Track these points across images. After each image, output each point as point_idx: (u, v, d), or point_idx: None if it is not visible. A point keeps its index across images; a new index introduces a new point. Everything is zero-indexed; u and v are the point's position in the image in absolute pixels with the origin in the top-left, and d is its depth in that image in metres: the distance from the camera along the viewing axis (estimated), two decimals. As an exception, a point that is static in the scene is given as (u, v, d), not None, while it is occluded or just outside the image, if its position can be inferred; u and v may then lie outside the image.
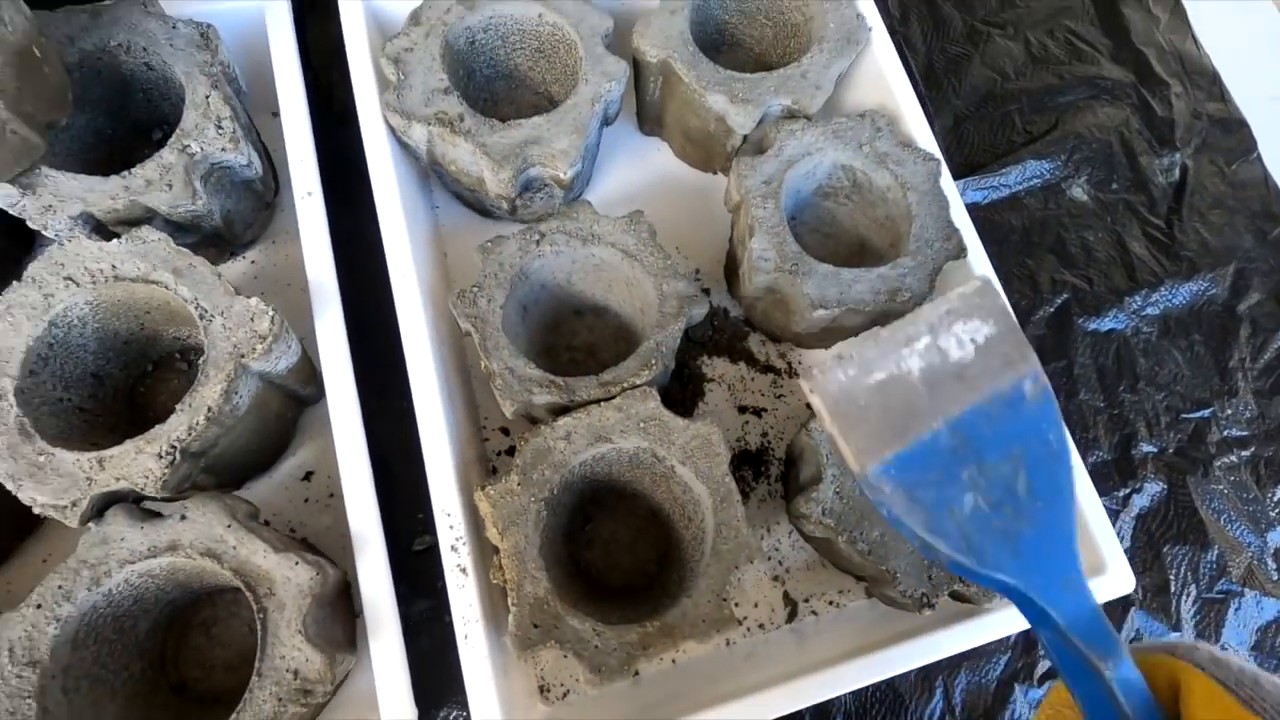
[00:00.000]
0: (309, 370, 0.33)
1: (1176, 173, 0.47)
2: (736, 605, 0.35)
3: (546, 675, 0.34)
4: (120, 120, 0.35)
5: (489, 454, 0.37)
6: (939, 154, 0.36)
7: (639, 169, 0.42)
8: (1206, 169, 0.48)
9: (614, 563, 0.33)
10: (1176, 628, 0.38)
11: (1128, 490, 0.40)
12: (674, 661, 0.35)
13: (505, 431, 0.37)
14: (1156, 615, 0.38)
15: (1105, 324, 0.43)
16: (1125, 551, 0.38)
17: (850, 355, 0.20)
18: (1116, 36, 0.50)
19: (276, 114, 0.40)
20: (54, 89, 0.29)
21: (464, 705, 0.33)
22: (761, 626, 0.35)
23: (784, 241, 0.33)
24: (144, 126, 0.37)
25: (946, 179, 0.35)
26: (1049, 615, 0.19)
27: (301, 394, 0.34)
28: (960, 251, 0.33)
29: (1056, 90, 0.48)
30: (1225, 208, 0.47)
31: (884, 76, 0.38)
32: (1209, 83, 0.50)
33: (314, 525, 0.34)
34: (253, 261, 0.38)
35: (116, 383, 0.32)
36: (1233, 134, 0.48)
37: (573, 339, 0.37)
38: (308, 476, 0.35)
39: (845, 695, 0.35)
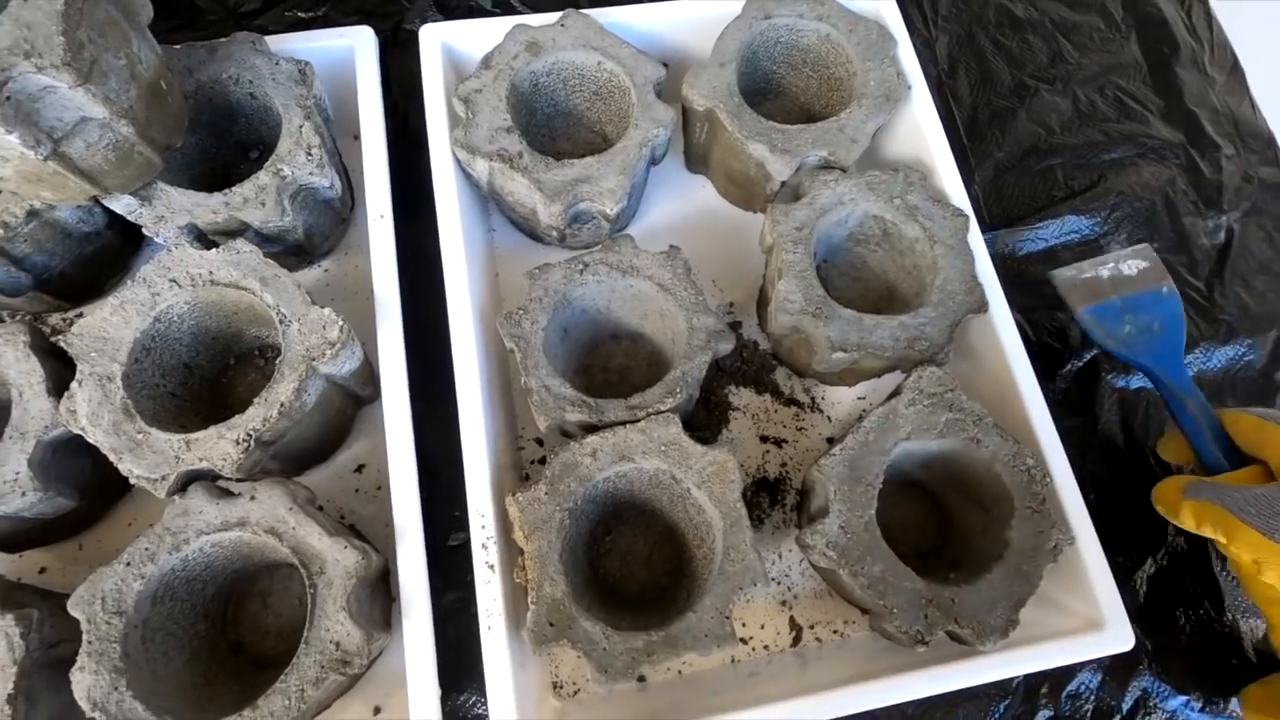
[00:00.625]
0: (368, 373, 0.37)
1: (1222, 235, 0.47)
2: (743, 625, 0.37)
3: (560, 672, 0.36)
4: (223, 140, 0.40)
5: (523, 462, 0.40)
6: (969, 210, 0.37)
7: (684, 203, 0.45)
8: (1254, 233, 0.48)
9: (630, 573, 0.36)
10: (1183, 690, 0.38)
11: (1147, 551, 0.40)
12: (680, 672, 0.37)
13: (539, 442, 0.40)
14: (1160, 676, 0.38)
15: (1134, 382, 0.44)
16: (1137, 609, 0.38)
17: (1078, 266, 0.40)
18: (1168, 96, 0.51)
19: (357, 136, 0.45)
20: (175, 117, 0.34)
21: (483, 691, 0.36)
22: (766, 647, 0.37)
23: (810, 286, 0.35)
24: (244, 146, 0.41)
25: (975, 235, 0.37)
26: (1163, 380, 0.38)
27: (360, 394, 0.38)
28: (982, 306, 0.35)
29: (1102, 147, 0.49)
30: (1271, 274, 0.47)
31: (921, 131, 0.40)
32: (1263, 146, 0.50)
33: (362, 513, 0.38)
34: (326, 270, 0.43)
35: (204, 373, 0.36)
36: (1284, 199, 0.48)
37: (608, 361, 0.40)
38: (360, 469, 0.39)
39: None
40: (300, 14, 0.48)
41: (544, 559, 0.30)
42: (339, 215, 0.41)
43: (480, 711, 0.36)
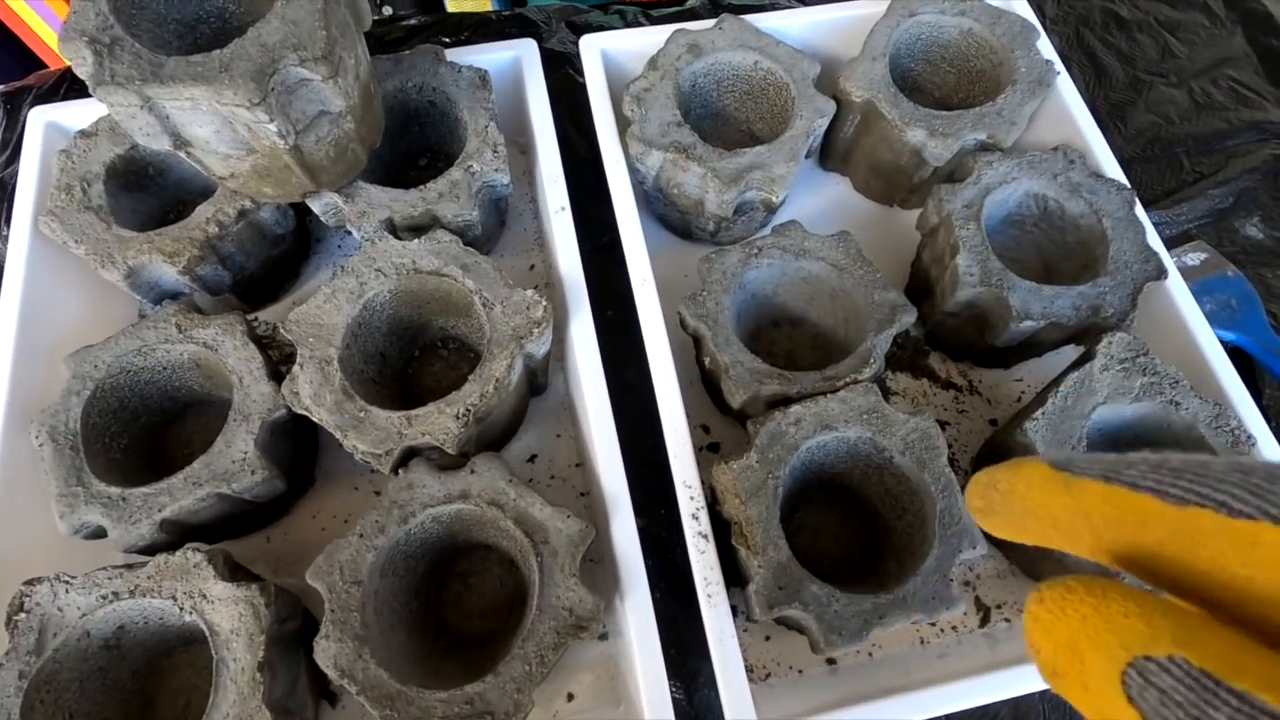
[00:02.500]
0: (547, 363, 0.38)
1: (1356, 213, 0.48)
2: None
3: (749, 657, 0.36)
4: (395, 148, 0.42)
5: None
6: (1129, 184, 0.38)
7: (819, 200, 0.46)
8: (1389, 211, 0.48)
9: (822, 549, 0.35)
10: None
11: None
12: (870, 655, 0.36)
13: (705, 429, 0.40)
14: None
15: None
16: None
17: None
18: (1283, 85, 0.52)
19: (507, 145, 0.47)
20: (377, 118, 0.36)
21: (679, 677, 0.35)
22: (954, 629, 0.37)
23: (988, 259, 0.36)
24: (411, 154, 0.43)
25: (1140, 208, 0.37)
26: (1257, 343, 0.42)
27: (537, 382, 0.38)
28: (1160, 273, 0.35)
29: (1224, 134, 0.50)
30: None
31: (1070, 114, 0.41)
32: (1385, 128, 0.50)
33: (539, 501, 0.38)
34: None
35: (393, 362, 0.38)
36: None
37: (772, 346, 0.40)
38: (532, 459, 0.39)
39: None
40: (444, 39, 0.51)
41: (765, 523, 0.30)
42: (501, 217, 0.43)
43: (676, 697, 0.35)
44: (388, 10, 1.17)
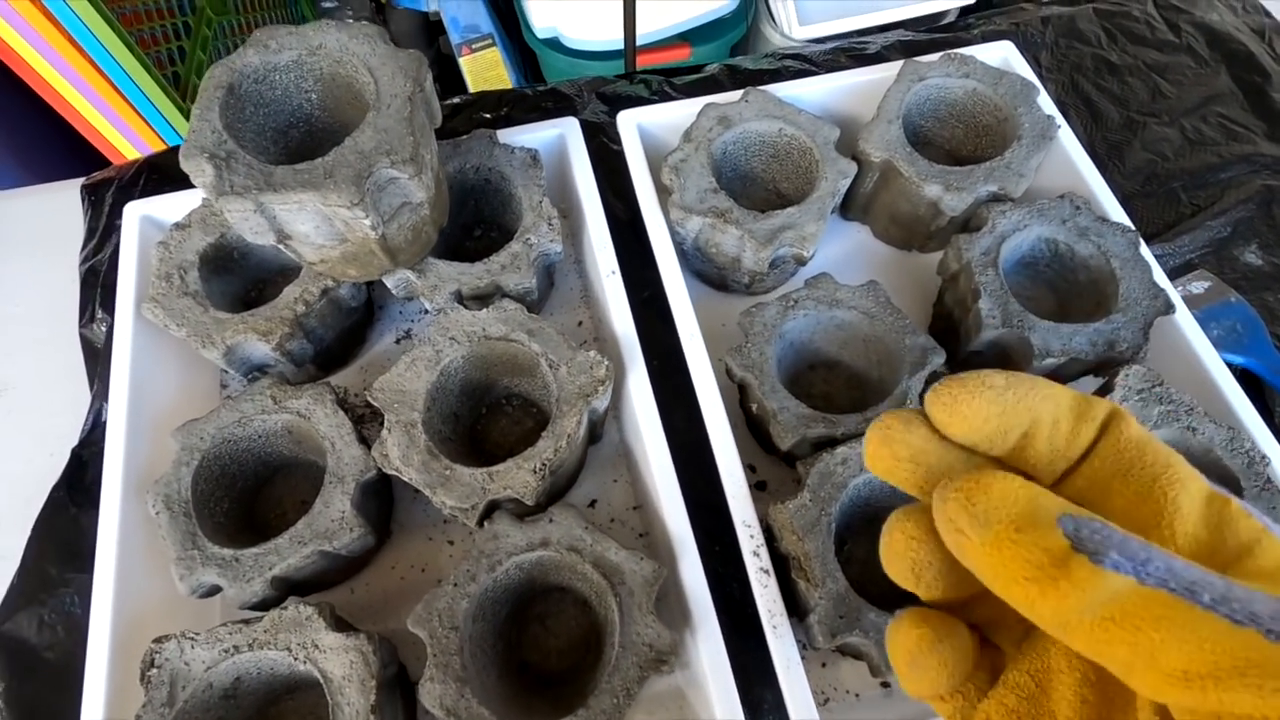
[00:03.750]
0: (605, 415, 0.41)
1: (1349, 237, 0.51)
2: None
3: (809, 683, 0.38)
4: (454, 223, 0.46)
5: (740, 487, 0.43)
6: (1133, 226, 0.41)
7: (842, 247, 0.50)
8: (1379, 233, 0.51)
9: (871, 579, 0.38)
10: None
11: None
12: (921, 676, 0.38)
13: (752, 468, 0.43)
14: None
15: None
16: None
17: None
18: (1269, 119, 0.55)
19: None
20: (445, 201, 0.40)
21: (744, 705, 0.38)
22: (999, 648, 0.39)
23: (1008, 302, 0.39)
24: (467, 228, 0.47)
25: (1145, 248, 0.41)
26: (1264, 365, 0.45)
27: (597, 433, 0.42)
28: (1169, 307, 0.38)
29: (1217, 168, 0.53)
30: (1405, 268, 0.49)
31: (1072, 163, 0.44)
32: (1369, 155, 0.53)
33: (602, 544, 0.41)
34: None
35: (465, 421, 0.41)
36: (1402, 200, 0.51)
37: (810, 389, 0.43)
38: (592, 504, 0.42)
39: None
40: (485, 114, 0.55)
41: (823, 557, 0.33)
42: (551, 280, 0.47)
43: (741, 723, 0.38)
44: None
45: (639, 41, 0.98)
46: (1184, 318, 0.39)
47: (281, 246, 0.35)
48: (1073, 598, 0.12)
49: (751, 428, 0.43)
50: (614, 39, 0.98)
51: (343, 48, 0.34)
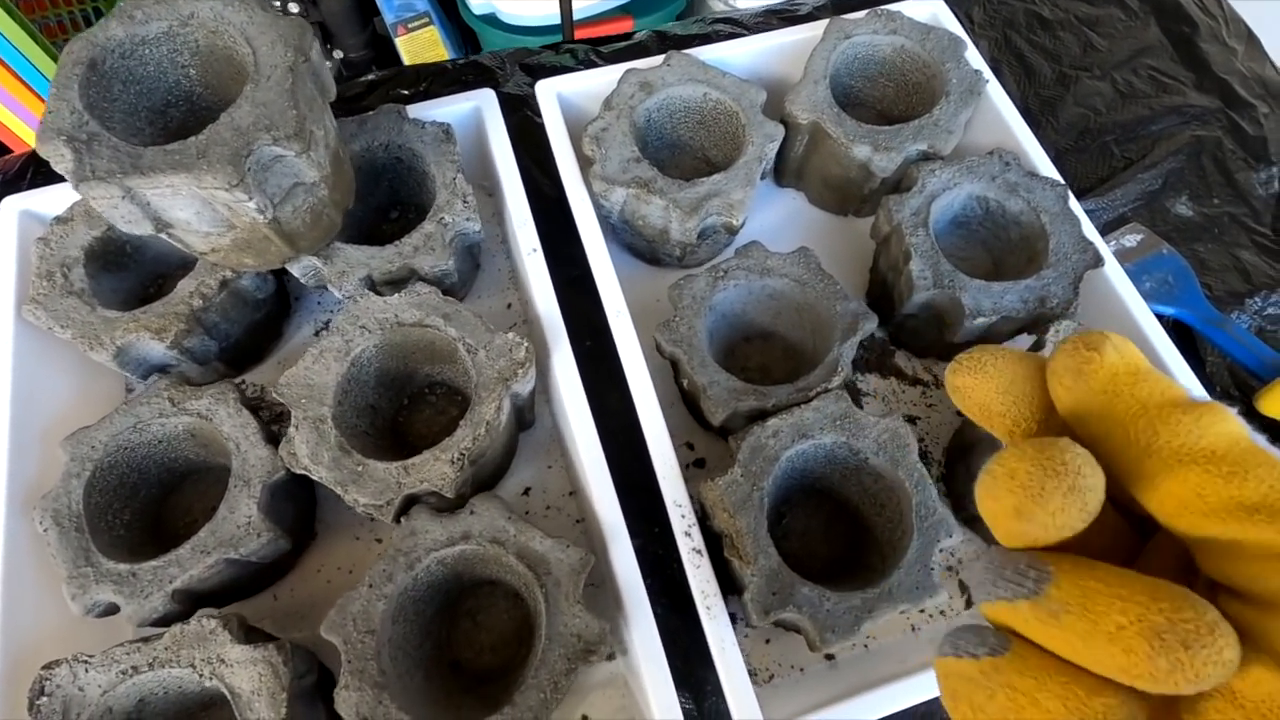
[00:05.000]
0: (533, 400, 0.39)
1: (1276, 184, 0.51)
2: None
3: (752, 661, 0.37)
4: (367, 204, 0.44)
5: (679, 464, 0.42)
6: (1062, 180, 0.41)
7: (777, 214, 0.49)
8: (1305, 178, 0.51)
9: (810, 551, 0.37)
10: None
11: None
12: (866, 646, 0.38)
13: (690, 446, 0.42)
14: None
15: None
16: None
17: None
18: (1198, 69, 0.55)
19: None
20: (349, 180, 0.37)
21: (687, 688, 0.37)
22: (942, 613, 0.39)
23: (938, 262, 0.38)
24: (382, 209, 0.45)
25: (1073, 201, 0.40)
26: (1195, 315, 0.45)
27: (525, 419, 0.40)
28: (1098, 261, 0.38)
29: (1148, 120, 0.53)
30: (1330, 213, 0.50)
31: (1001, 118, 0.43)
32: (1294, 102, 0.54)
33: (538, 532, 0.39)
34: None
35: (384, 413, 0.39)
36: (1325, 146, 0.52)
37: (746, 361, 0.42)
38: (526, 492, 0.41)
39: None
40: (403, 91, 0.53)
41: (754, 534, 0.32)
42: (475, 261, 0.44)
43: (687, 707, 0.37)
44: (338, 55, 1.18)
45: (578, 15, 0.95)
46: (1113, 270, 0.39)
47: (164, 236, 0.32)
48: (1190, 420, 0.13)
49: (688, 404, 0.42)
50: (552, 14, 0.95)
51: (218, 16, 0.32)
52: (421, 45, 1.12)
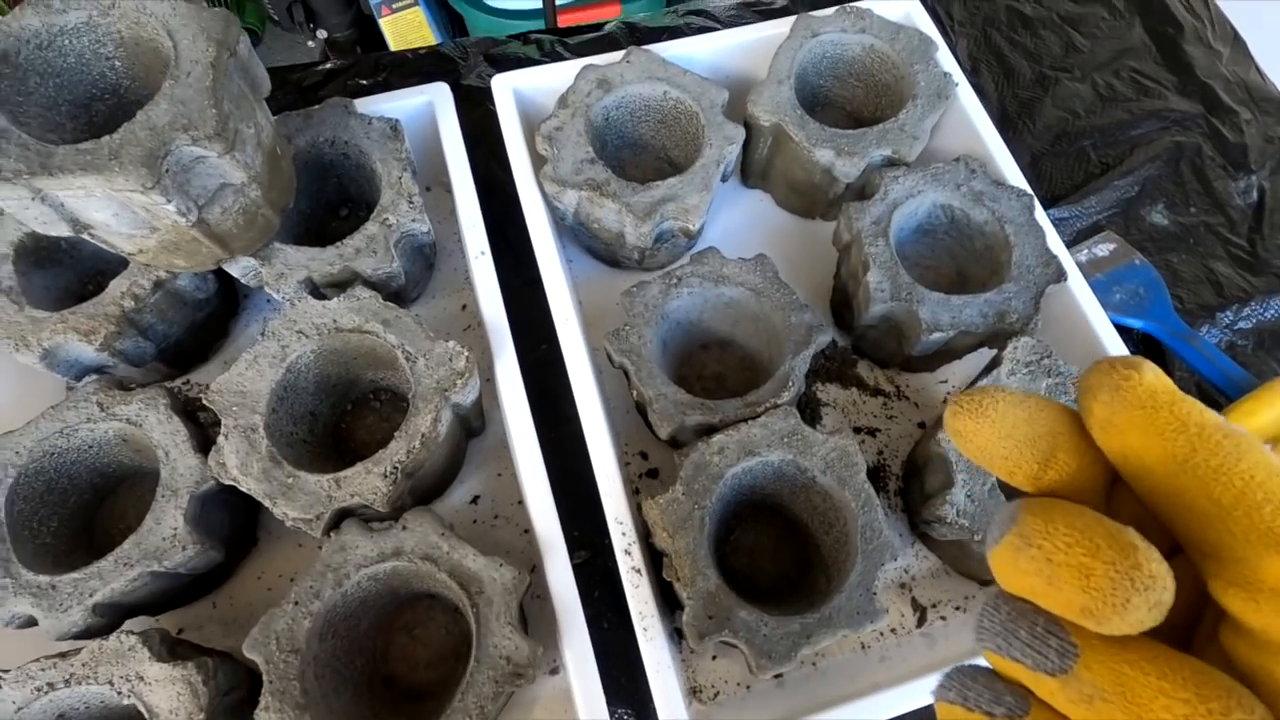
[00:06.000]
0: (480, 407, 0.38)
1: (1254, 194, 0.50)
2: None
3: (697, 679, 0.37)
4: (315, 202, 0.42)
5: (631, 476, 0.41)
6: (1030, 190, 0.40)
7: (743, 217, 0.47)
8: (1284, 189, 0.50)
9: (759, 568, 0.36)
10: None
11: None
12: (814, 665, 0.37)
13: (644, 455, 0.41)
14: None
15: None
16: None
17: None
18: (1181, 73, 0.54)
19: (429, 188, 0.47)
20: (288, 179, 0.36)
21: (631, 704, 0.36)
22: (894, 631, 0.38)
23: (897, 274, 0.37)
24: (332, 206, 0.43)
25: (1039, 212, 0.39)
26: (1164, 329, 0.44)
27: (473, 426, 0.39)
28: (1060, 275, 0.37)
29: (1127, 124, 0.52)
30: (1308, 224, 0.49)
31: (971, 124, 0.42)
32: (1277, 108, 0.52)
33: (483, 543, 0.38)
34: (416, 315, 0.44)
35: (325, 420, 0.38)
36: (1306, 155, 0.51)
37: (702, 370, 0.41)
38: (475, 500, 0.40)
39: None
40: (361, 81, 0.51)
41: (693, 554, 0.31)
42: (428, 260, 0.43)
43: (627, 723, 0.36)
44: (322, 34, 1.16)
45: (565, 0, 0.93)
46: (1077, 284, 0.38)
47: (86, 236, 0.31)
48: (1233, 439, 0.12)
49: (642, 413, 0.41)
50: (536, -4, 0.92)
51: (139, 7, 0.30)
52: (406, 27, 1.09)
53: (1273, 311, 0.46)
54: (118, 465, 0.36)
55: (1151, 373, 0.13)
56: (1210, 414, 0.13)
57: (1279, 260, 0.48)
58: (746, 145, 0.44)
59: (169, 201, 0.28)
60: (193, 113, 0.28)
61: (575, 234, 0.44)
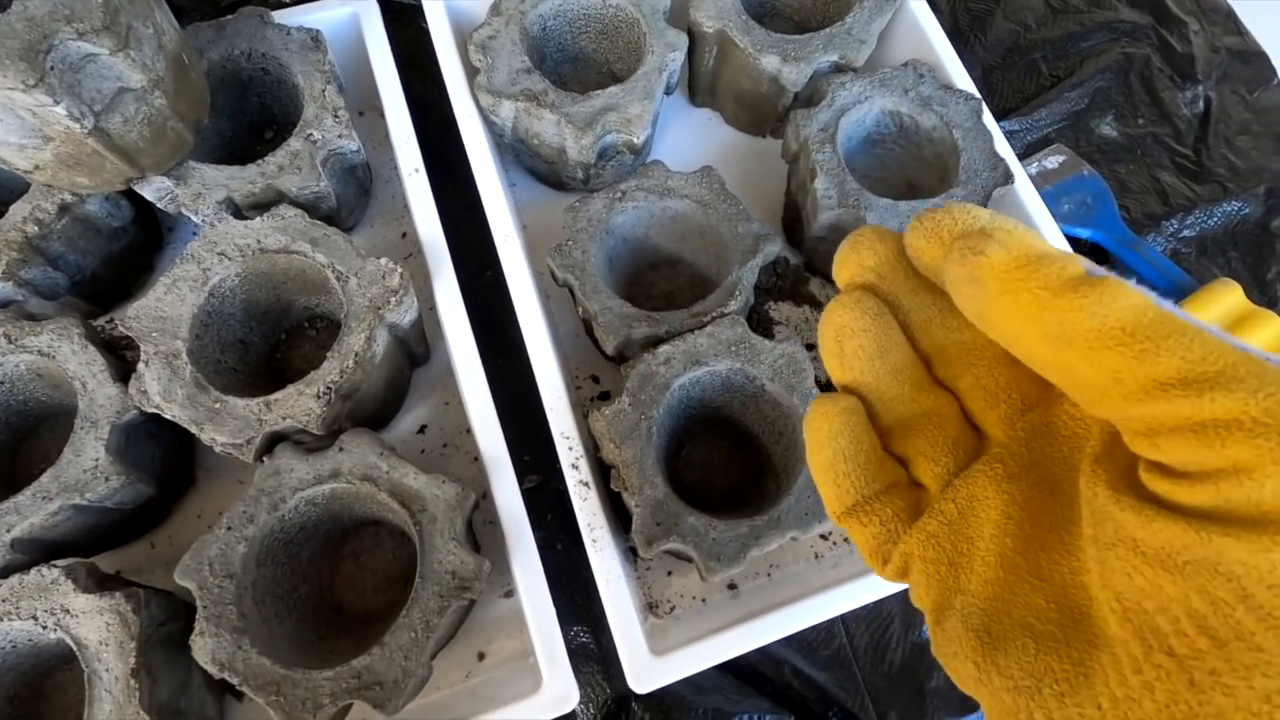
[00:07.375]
0: (421, 331, 0.37)
1: (1200, 104, 0.50)
2: (821, 521, 0.38)
3: (652, 594, 0.37)
4: (237, 122, 0.40)
5: (582, 400, 0.40)
6: (978, 94, 0.39)
7: (692, 137, 0.46)
8: (1229, 98, 0.50)
9: (711, 481, 0.36)
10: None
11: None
12: (769, 575, 0.37)
13: (595, 379, 0.40)
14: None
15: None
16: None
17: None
18: (1131, -17, 0.53)
19: (363, 113, 0.45)
20: (199, 91, 0.34)
21: (587, 622, 0.36)
22: (846, 540, 0.38)
23: (844, 181, 0.36)
24: (256, 127, 0.41)
25: (988, 116, 0.38)
26: (1111, 238, 0.44)
27: (415, 352, 0.38)
28: (1007, 178, 0.36)
29: (1078, 36, 0.51)
30: (1251, 133, 0.49)
31: (920, 29, 0.41)
32: (1224, 19, 0.52)
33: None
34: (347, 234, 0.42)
35: (258, 348, 0.36)
36: (1252, 64, 0.51)
37: (651, 290, 0.40)
38: (421, 430, 0.39)
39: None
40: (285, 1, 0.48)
41: (640, 464, 0.30)
42: (362, 185, 0.41)
43: (583, 640, 0.36)
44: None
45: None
46: (1025, 188, 0.38)
47: (-29, 150, 0.28)
48: (1091, 303, 0.12)
49: (590, 334, 0.40)
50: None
51: (10, -111, 0.27)
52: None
53: (1216, 219, 0.47)
54: (35, 403, 0.34)
55: (999, 249, 0.13)
56: (1071, 268, 0.12)
57: (1223, 169, 0.48)
58: (692, 58, 0.43)
59: (57, 103, 0.26)
60: (76, 3, 0.26)
61: (516, 154, 0.42)
